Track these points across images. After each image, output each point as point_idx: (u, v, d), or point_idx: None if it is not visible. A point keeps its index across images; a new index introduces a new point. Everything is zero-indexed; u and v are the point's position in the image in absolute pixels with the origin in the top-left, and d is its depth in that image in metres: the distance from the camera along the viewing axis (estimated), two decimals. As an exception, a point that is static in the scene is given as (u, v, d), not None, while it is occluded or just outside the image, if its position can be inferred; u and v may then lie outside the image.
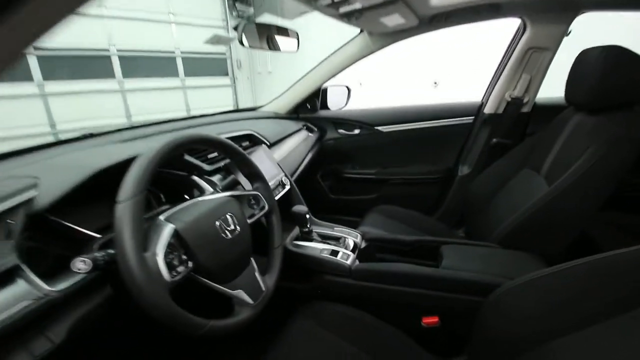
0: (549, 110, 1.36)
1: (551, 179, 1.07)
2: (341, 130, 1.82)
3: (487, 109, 1.56)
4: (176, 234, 0.56)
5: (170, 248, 0.54)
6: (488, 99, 1.57)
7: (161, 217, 0.59)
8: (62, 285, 0.53)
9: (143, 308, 0.48)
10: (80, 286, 0.55)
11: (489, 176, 1.39)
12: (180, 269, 0.54)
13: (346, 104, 1.88)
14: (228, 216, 0.66)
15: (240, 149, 0.76)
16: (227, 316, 0.61)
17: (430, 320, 0.87)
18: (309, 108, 1.82)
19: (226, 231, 0.64)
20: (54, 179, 0.58)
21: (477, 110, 1.62)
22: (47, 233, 0.61)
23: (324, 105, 1.88)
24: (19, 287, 0.49)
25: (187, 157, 0.86)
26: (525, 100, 1.47)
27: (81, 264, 0.49)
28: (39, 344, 0.50)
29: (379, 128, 1.75)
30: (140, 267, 0.47)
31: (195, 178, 0.89)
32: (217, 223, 0.63)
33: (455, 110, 1.66)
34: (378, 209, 1.46)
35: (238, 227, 0.67)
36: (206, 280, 0.59)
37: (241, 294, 0.64)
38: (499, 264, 0.90)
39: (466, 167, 1.63)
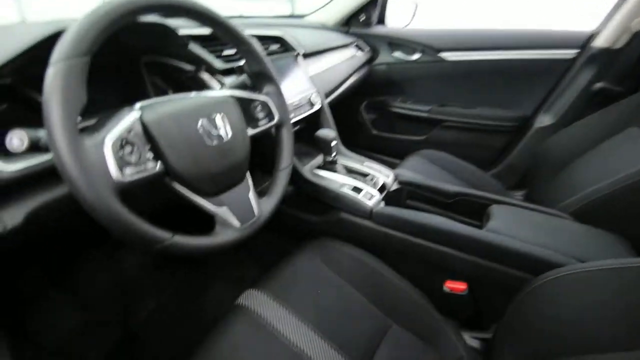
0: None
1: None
2: (397, 54, 1.52)
3: (600, 42, 1.16)
4: (142, 125, 0.44)
5: (127, 140, 0.42)
6: (604, 28, 1.15)
7: (136, 104, 0.47)
8: (20, 165, 0.46)
9: (84, 207, 0.38)
10: (43, 170, 0.47)
11: (578, 131, 1.07)
12: (142, 167, 0.43)
13: (410, 22, 1.53)
14: (217, 117, 0.52)
15: (246, 35, 0.59)
16: (203, 234, 0.51)
17: (455, 286, 0.72)
18: (363, 21, 1.52)
19: (211, 135, 0.50)
20: (9, 40, 0.47)
21: (584, 42, 1.21)
22: (17, 106, 0.53)
23: (382, 20, 1.56)
24: None
25: (193, 48, 0.71)
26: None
27: (16, 140, 0.39)
28: None
29: (444, 55, 1.41)
30: (71, 155, 0.36)
31: (204, 75, 0.75)
32: (200, 123, 0.49)
33: (552, 40, 1.26)
34: (423, 153, 1.24)
35: (229, 134, 0.53)
36: (181, 188, 0.48)
37: (225, 212, 0.53)
38: (566, 239, 0.69)
39: (548, 116, 1.28)
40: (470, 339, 0.71)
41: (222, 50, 0.80)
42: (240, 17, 1.22)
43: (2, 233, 0.45)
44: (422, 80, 1.51)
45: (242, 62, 0.80)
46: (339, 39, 1.37)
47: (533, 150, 1.27)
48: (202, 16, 0.52)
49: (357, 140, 1.72)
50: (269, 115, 0.64)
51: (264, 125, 0.63)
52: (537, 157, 1.22)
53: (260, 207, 0.59)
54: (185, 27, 0.71)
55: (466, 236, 0.70)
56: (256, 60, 0.62)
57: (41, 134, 0.41)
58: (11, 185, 0.45)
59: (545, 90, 1.29)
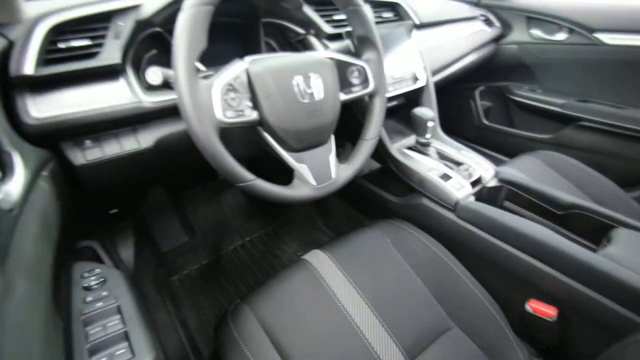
0: None
1: None
2: (535, 32, 1.27)
3: None
4: (247, 75, 0.49)
5: (233, 87, 0.47)
6: None
7: (247, 57, 0.52)
8: (157, 98, 0.57)
9: (192, 138, 0.46)
10: (172, 106, 0.58)
11: None
12: (241, 113, 0.48)
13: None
14: (313, 76, 0.54)
15: None
16: (281, 184, 0.55)
17: (542, 308, 0.62)
18: (501, -8, 1.31)
19: (304, 93, 0.53)
20: None
21: None
22: (164, 53, 0.64)
23: (525, -10, 1.32)
24: (119, 85, 0.54)
25: (307, 10, 0.73)
26: None
27: (152, 74, 0.49)
28: (128, 142, 0.56)
29: (601, 36, 1.12)
30: (188, 92, 0.42)
31: (312, 39, 0.78)
32: (296, 80, 0.52)
33: None
34: (542, 154, 1.04)
35: (321, 94, 0.54)
36: (269, 137, 0.53)
37: (304, 169, 0.56)
38: None
39: None
40: (546, 372, 0.61)
41: (332, 15, 0.80)
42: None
43: (138, 150, 0.57)
44: (562, 66, 1.24)
45: (349, 28, 0.79)
46: (464, 10, 1.23)
47: None
48: None
49: (463, 128, 1.56)
50: (365, 83, 0.63)
51: (357, 91, 0.62)
52: None
53: (338, 172, 0.60)
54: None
55: (570, 255, 0.59)
56: (362, 22, 0.61)
57: (171, 73, 0.50)
58: (148, 115, 0.57)
59: None
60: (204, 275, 1.09)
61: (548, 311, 0.61)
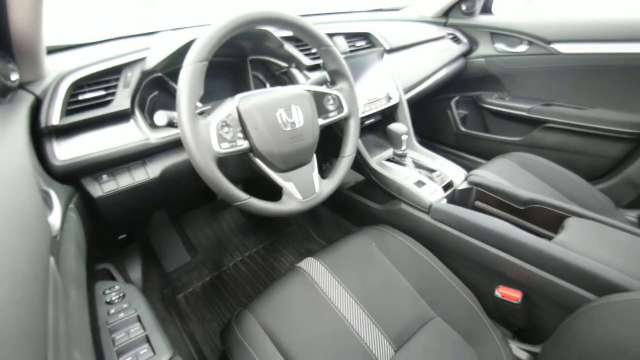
0: None
1: None
2: (499, 45, 1.40)
3: None
4: (237, 112, 0.59)
5: (227, 123, 0.57)
6: None
7: (237, 96, 0.62)
8: (161, 135, 0.66)
9: (194, 168, 0.55)
10: (174, 140, 0.67)
11: None
12: (234, 144, 0.58)
13: (524, 8, 1.39)
14: (293, 107, 0.63)
15: (325, 37, 0.68)
16: (272, 202, 0.64)
17: (509, 293, 0.70)
18: (464, 11, 1.44)
19: (286, 122, 0.62)
20: (161, 45, 0.67)
21: None
22: (164, 93, 0.74)
23: (486, 9, 1.45)
24: (129, 126, 0.64)
25: (287, 47, 0.84)
26: None
27: (159, 117, 0.58)
28: (138, 174, 0.65)
29: (557, 47, 1.24)
30: (190, 131, 0.52)
31: (293, 70, 0.88)
32: (279, 112, 0.62)
33: None
34: (514, 155, 1.14)
35: (301, 122, 0.64)
36: (259, 162, 0.62)
37: (291, 186, 0.65)
38: None
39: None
40: (518, 350, 0.69)
41: (310, 49, 0.91)
42: (337, 13, 1.32)
43: (147, 180, 0.66)
44: (526, 75, 1.36)
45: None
46: (432, 31, 1.35)
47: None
48: (289, 24, 0.63)
49: (443, 136, 1.67)
50: (339, 108, 0.73)
51: (334, 116, 0.72)
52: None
53: (321, 186, 0.69)
54: (280, 31, 0.84)
55: (528, 245, 0.67)
56: (333, 59, 0.71)
57: (174, 115, 0.60)
58: (155, 149, 0.67)
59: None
60: (207, 291, 1.17)
61: (514, 295, 0.70)
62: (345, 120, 0.74)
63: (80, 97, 0.59)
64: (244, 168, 0.71)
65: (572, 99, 1.28)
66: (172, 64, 0.68)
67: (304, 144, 0.65)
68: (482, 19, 1.44)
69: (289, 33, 0.86)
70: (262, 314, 0.66)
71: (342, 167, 0.73)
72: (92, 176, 0.62)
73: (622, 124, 1.15)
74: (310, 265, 0.75)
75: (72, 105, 0.58)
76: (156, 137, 0.65)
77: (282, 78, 0.92)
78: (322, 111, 0.70)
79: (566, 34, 1.23)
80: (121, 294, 0.59)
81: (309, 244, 1.29)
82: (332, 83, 0.76)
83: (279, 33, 0.81)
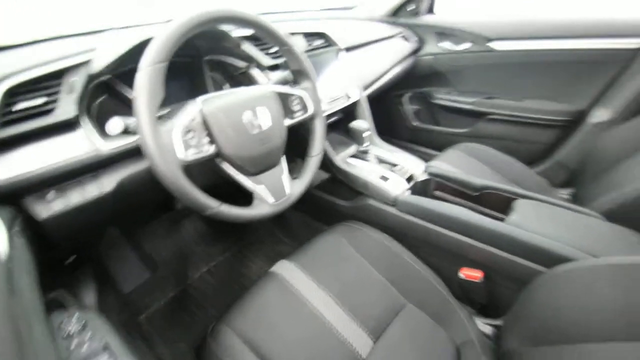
0: None
1: None
2: (444, 44, 1.50)
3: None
4: (201, 116, 0.56)
5: (191, 128, 0.54)
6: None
7: (198, 98, 0.59)
8: (115, 144, 0.61)
9: (158, 178, 0.51)
10: (131, 149, 0.62)
11: (636, 128, 1.00)
12: (200, 150, 0.55)
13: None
14: (259, 109, 0.62)
15: (287, 37, 0.68)
16: (244, 207, 0.62)
17: (471, 273, 0.76)
18: (412, 11, 1.51)
19: (253, 125, 0.61)
20: (109, 46, 0.62)
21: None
22: (113, 98, 0.68)
23: (431, 10, 1.54)
24: (76, 136, 0.58)
25: (245, 47, 0.82)
26: None
27: (114, 125, 0.54)
28: (90, 189, 0.59)
29: (493, 45, 1.36)
30: (152, 138, 0.48)
31: (254, 71, 0.86)
32: (245, 115, 0.60)
33: (614, 28, 1.15)
34: (464, 146, 1.24)
35: (268, 124, 0.63)
36: (228, 167, 0.60)
37: (262, 190, 0.64)
38: (586, 237, 0.69)
39: (605, 111, 1.19)
40: (483, 325, 0.75)
41: (270, 48, 0.90)
42: (290, 12, 1.32)
43: (100, 195, 0.61)
44: (468, 71, 1.47)
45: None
46: (384, 30, 1.40)
47: (585, 147, 1.20)
48: (250, 23, 0.62)
49: (398, 131, 1.74)
50: (304, 108, 0.73)
51: (299, 117, 0.72)
52: (589, 155, 1.15)
53: (292, 187, 0.69)
54: (237, 30, 0.82)
55: (484, 228, 0.74)
56: (295, 58, 0.71)
57: (130, 121, 0.55)
58: (108, 160, 0.61)
59: (603, 83, 1.19)
60: (173, 308, 1.10)
61: (476, 275, 0.76)
62: (310, 120, 0.75)
63: (17, 107, 0.52)
64: (209, 174, 0.68)
65: (510, 92, 1.41)
66: (122, 66, 0.63)
67: (273, 146, 0.64)
68: (427, 19, 1.53)
69: (247, 32, 0.84)
70: (239, 325, 0.63)
71: (311, 167, 0.73)
72: (36, 195, 0.55)
73: (552, 112, 1.30)
74: (285, 268, 0.74)
75: (7, 115, 0.51)
76: (109, 147, 0.60)
77: (241, 79, 0.89)
78: (287, 112, 0.70)
79: (502, 33, 1.35)
80: (82, 322, 0.54)
81: (279, 247, 1.28)
82: (295, 83, 0.76)
83: (236, 32, 0.78)
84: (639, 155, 0.89)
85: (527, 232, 0.70)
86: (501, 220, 0.76)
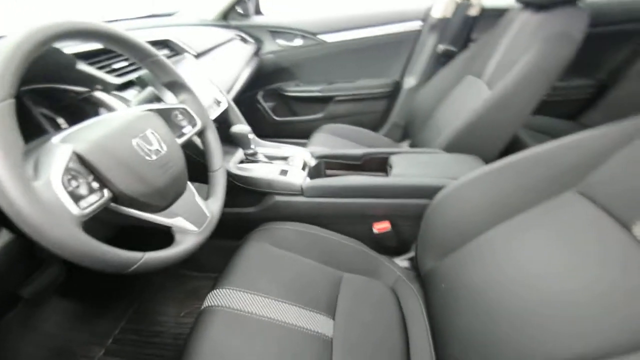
0: (495, 14, 1.31)
1: (493, 83, 1.08)
2: (280, 41, 1.61)
3: (436, 13, 1.47)
4: (77, 157, 0.43)
5: (71, 174, 0.41)
6: (437, 1, 1.47)
7: (54, 140, 0.45)
8: None
9: (51, 251, 0.38)
10: None
11: (434, 86, 1.37)
12: (93, 198, 0.43)
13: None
14: (149, 133, 0.53)
15: (151, 48, 0.60)
16: (168, 247, 0.53)
17: (381, 226, 0.90)
18: (241, 13, 1.55)
19: (149, 151, 0.52)
20: None
21: (425, 14, 1.52)
22: None
23: (259, 10, 1.62)
24: None
25: (82, 67, 0.66)
26: (475, 1, 1.41)
27: None
28: None
29: (323, 37, 1.57)
30: (29, 201, 0.35)
31: (100, 94, 0.71)
32: (135, 142, 0.50)
33: (401, 15, 1.54)
34: (325, 128, 1.42)
35: (164, 147, 0.55)
36: (133, 211, 0.49)
37: (181, 221, 0.56)
38: (443, 167, 0.93)
39: (412, 78, 1.59)
40: (402, 262, 0.91)
41: (111, 65, 0.75)
42: (115, 20, 1.12)
43: None
44: (308, 63, 1.65)
45: (137, 74, 0.78)
46: (222, 33, 1.38)
47: (407, 108, 1.57)
48: (104, 35, 0.51)
49: (262, 129, 1.79)
50: (192, 122, 0.66)
51: (188, 132, 0.65)
52: (411, 112, 1.50)
53: (210, 207, 0.63)
54: (68, 46, 0.65)
55: (379, 185, 0.88)
56: (164, 70, 0.63)
57: None
58: None
59: (405, 57, 1.58)
60: None
61: (385, 226, 0.90)
62: (202, 133, 0.69)
63: None
64: (106, 224, 0.54)
65: (345, 76, 1.67)
66: None
67: (177, 170, 0.57)
68: (258, 20, 1.60)
69: (81, 48, 0.68)
70: None
71: (219, 180, 0.68)
72: None
73: (379, 86, 1.63)
74: (221, 297, 0.67)
75: None
76: None
77: (83, 106, 0.72)
78: (175, 130, 0.62)
79: (326, 27, 1.57)
80: None
81: (191, 284, 1.12)
82: (166, 98, 0.68)
83: (67, 49, 0.62)
84: (443, 104, 1.24)
85: (408, 177, 0.88)
86: (386, 175, 0.93)
